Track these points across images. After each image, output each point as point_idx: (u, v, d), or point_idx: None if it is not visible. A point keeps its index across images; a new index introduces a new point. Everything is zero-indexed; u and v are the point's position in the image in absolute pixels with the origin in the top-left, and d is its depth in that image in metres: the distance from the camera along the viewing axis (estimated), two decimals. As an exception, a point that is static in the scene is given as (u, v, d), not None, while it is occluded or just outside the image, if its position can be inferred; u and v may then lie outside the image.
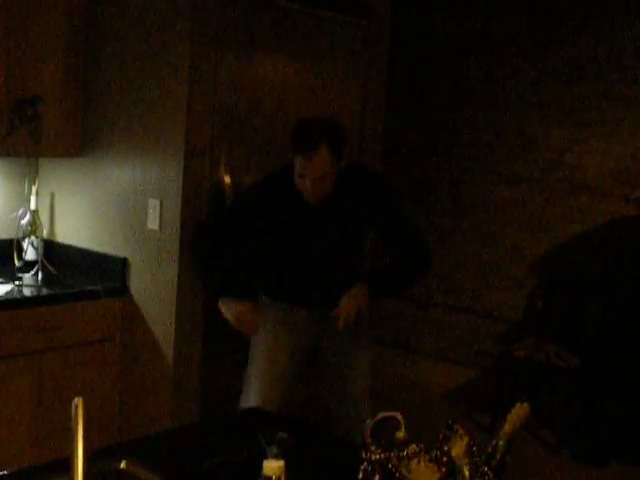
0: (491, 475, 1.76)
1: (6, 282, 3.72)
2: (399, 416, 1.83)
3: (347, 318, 3.19)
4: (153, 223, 3.72)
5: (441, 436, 1.82)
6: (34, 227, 3.91)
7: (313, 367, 3.60)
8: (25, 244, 3.87)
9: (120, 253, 3.87)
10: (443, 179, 4.78)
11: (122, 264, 3.85)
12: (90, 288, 3.77)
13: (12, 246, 3.89)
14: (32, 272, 3.84)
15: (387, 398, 4.79)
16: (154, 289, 3.76)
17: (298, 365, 3.51)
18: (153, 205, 3.73)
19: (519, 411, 1.78)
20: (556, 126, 4.64)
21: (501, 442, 1.79)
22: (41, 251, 3.89)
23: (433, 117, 4.94)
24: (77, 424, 1.41)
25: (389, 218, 3.35)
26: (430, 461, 1.78)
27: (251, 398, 3.37)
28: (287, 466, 1.70)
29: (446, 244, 4.94)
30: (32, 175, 4.11)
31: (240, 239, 3.43)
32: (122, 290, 3.85)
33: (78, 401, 1.45)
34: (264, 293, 3.52)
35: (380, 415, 1.84)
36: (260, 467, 1.68)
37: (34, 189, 3.95)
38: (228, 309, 3.27)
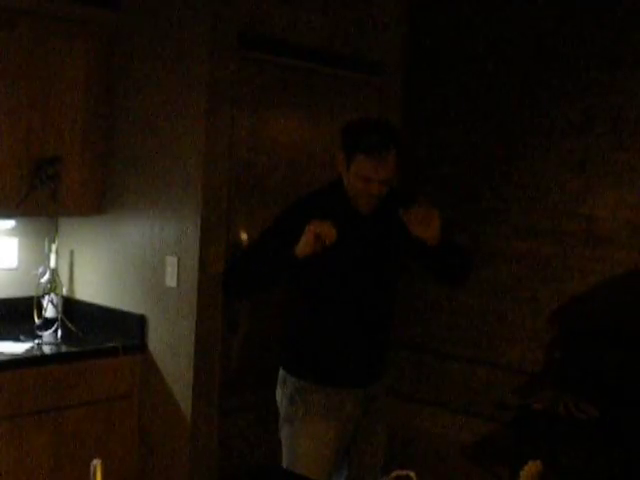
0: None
1: (26, 340, 3.76)
2: (412, 474, 1.84)
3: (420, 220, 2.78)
4: (171, 280, 3.76)
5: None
6: (54, 285, 3.95)
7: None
8: (45, 302, 3.92)
9: (138, 310, 3.91)
10: (460, 232, 4.79)
11: (140, 321, 3.88)
12: (109, 345, 3.81)
13: (32, 304, 3.93)
14: (52, 329, 3.88)
15: (403, 452, 4.75)
16: (172, 346, 3.79)
17: (339, 453, 3.06)
18: (171, 262, 3.77)
19: (532, 469, 1.78)
20: (570, 177, 4.65)
21: (516, 500, 1.80)
22: (60, 309, 3.94)
23: (447, 169, 4.97)
24: (95, 487, 1.42)
25: None
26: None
27: None
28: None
29: (463, 296, 4.94)
30: (52, 233, 4.16)
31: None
32: (140, 347, 3.88)
33: (97, 463, 1.47)
34: (298, 376, 3.02)
35: (394, 474, 1.85)
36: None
37: (54, 247, 4.01)
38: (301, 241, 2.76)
